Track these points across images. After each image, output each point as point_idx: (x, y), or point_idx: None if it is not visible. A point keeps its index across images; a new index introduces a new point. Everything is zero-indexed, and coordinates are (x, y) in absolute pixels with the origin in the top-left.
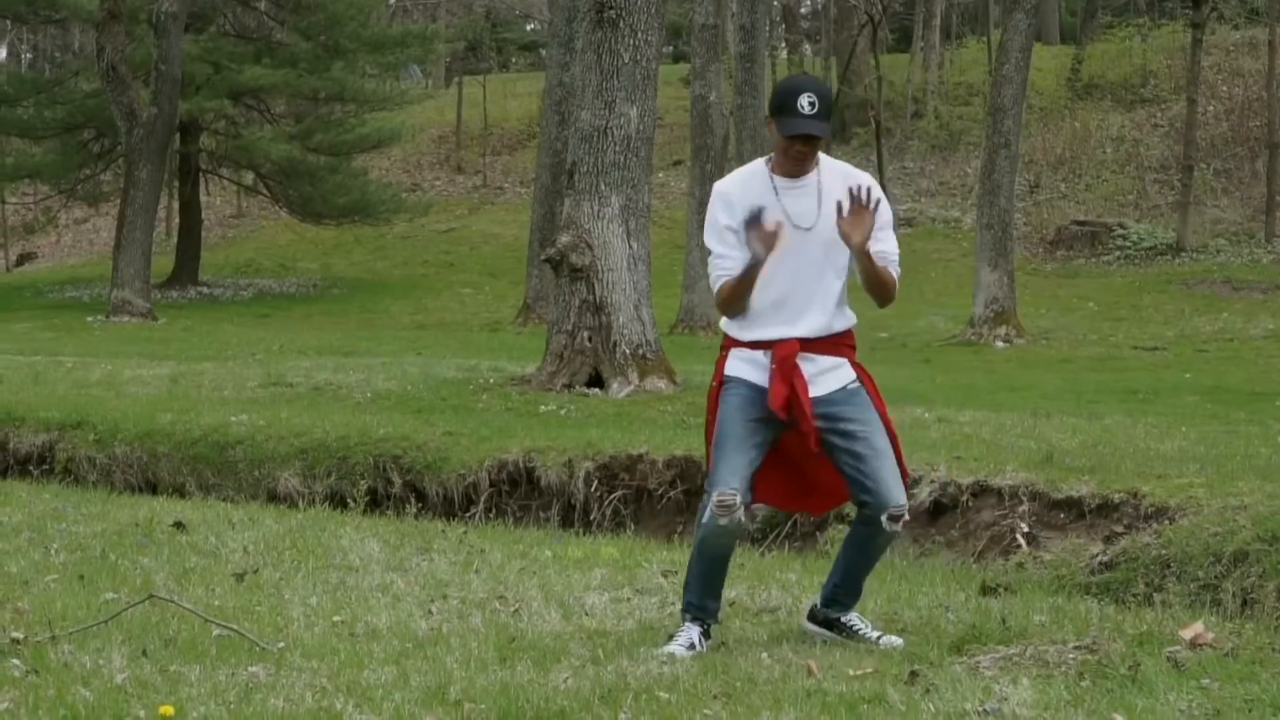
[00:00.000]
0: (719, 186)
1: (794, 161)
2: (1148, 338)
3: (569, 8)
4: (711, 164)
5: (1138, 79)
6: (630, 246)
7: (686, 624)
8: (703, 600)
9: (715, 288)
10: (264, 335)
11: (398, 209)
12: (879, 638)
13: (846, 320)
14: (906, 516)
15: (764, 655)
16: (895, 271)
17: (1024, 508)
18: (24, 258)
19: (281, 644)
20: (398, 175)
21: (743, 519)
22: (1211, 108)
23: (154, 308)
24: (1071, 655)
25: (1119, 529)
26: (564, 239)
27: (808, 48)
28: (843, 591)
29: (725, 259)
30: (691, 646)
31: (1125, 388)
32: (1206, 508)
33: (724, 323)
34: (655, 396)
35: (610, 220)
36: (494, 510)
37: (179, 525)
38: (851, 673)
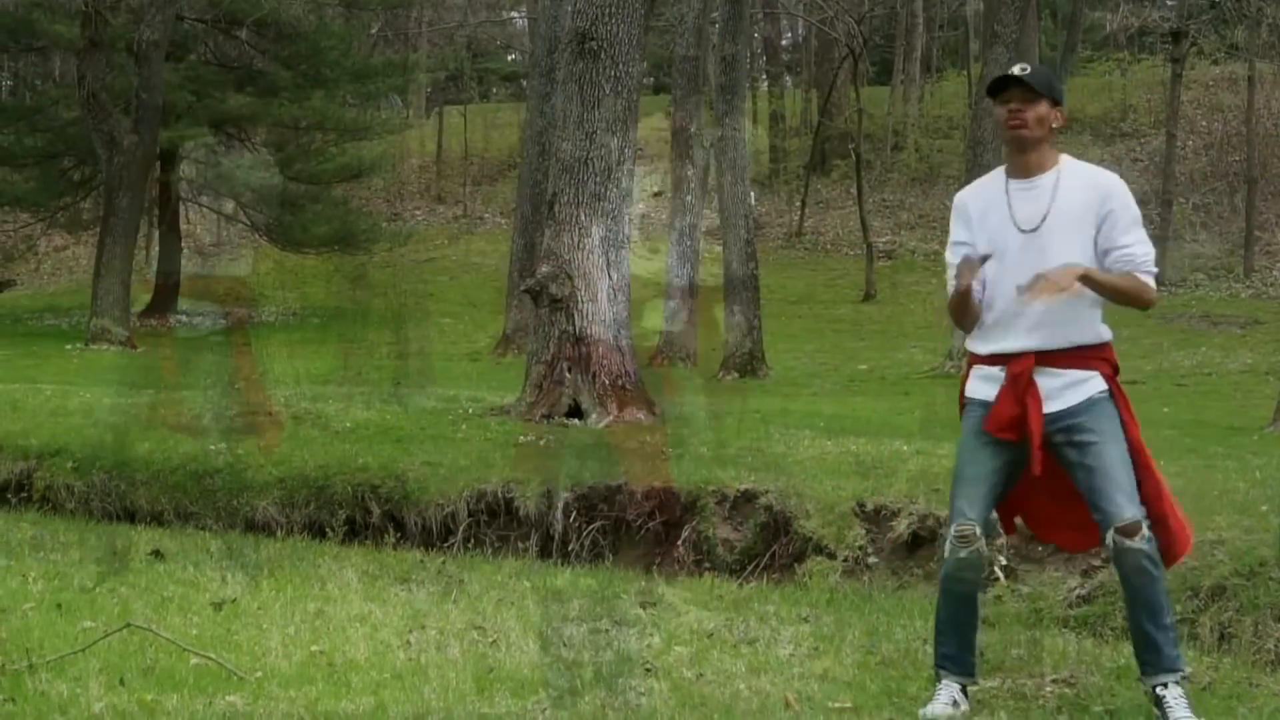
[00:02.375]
0: (958, 197)
1: (1010, 129)
2: (1126, 371)
3: (550, 39)
4: (692, 195)
5: (1117, 113)
6: (610, 277)
7: (944, 681)
8: (959, 651)
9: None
10: (243, 364)
11: (378, 238)
12: None
13: (1097, 332)
14: (1145, 532)
15: (742, 686)
16: (1146, 275)
17: (1002, 540)
18: (3, 285)
19: (259, 673)
20: (378, 204)
21: (985, 551)
22: (1191, 142)
23: (133, 336)
24: (1049, 689)
25: (1097, 563)
26: (544, 269)
27: (789, 80)
28: (1138, 648)
29: (956, 248)
30: (955, 705)
31: None
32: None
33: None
34: (634, 427)
35: (590, 251)
36: (472, 540)
37: (157, 554)
38: (831, 705)
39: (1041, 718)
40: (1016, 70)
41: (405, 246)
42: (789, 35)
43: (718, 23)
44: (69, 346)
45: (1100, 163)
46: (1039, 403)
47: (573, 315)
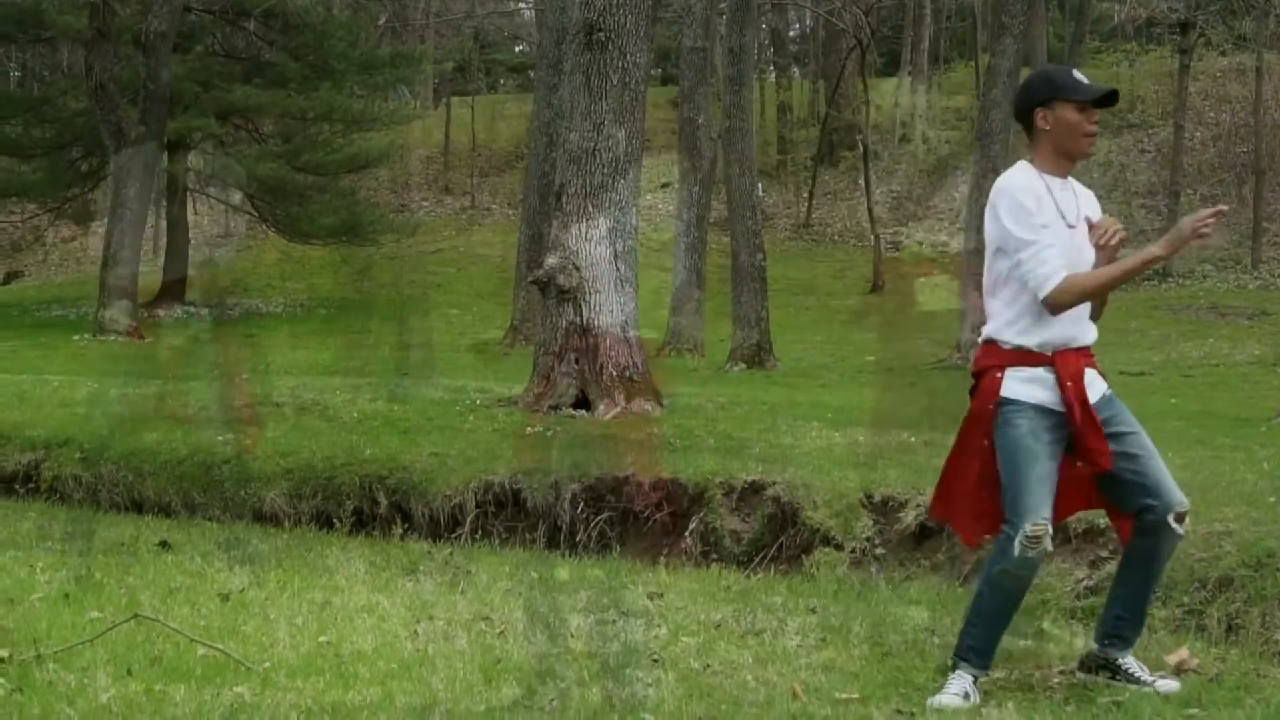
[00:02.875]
0: (1017, 181)
1: (1088, 140)
2: (1134, 363)
3: (558, 30)
4: (699, 186)
5: (1125, 104)
6: (618, 268)
7: (960, 672)
8: (986, 645)
9: (1041, 279)
10: (250, 355)
11: (385, 229)
12: (1155, 681)
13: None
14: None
15: (749, 678)
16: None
17: None
18: (11, 276)
19: (267, 664)
20: (385, 196)
21: (1050, 550)
22: (1199, 134)
23: (140, 326)
24: (1056, 680)
25: (1104, 554)
26: (551, 261)
27: (796, 71)
28: (1128, 623)
29: (1050, 247)
30: (967, 697)
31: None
32: (1192, 533)
33: (997, 331)
34: (642, 419)
35: (598, 242)
36: (480, 532)
37: (164, 545)
38: (837, 696)
39: (1049, 709)
40: (1113, 93)
41: (412, 238)
42: (796, 26)
43: (725, 14)
44: (76, 337)
45: (1108, 154)
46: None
47: (580, 306)
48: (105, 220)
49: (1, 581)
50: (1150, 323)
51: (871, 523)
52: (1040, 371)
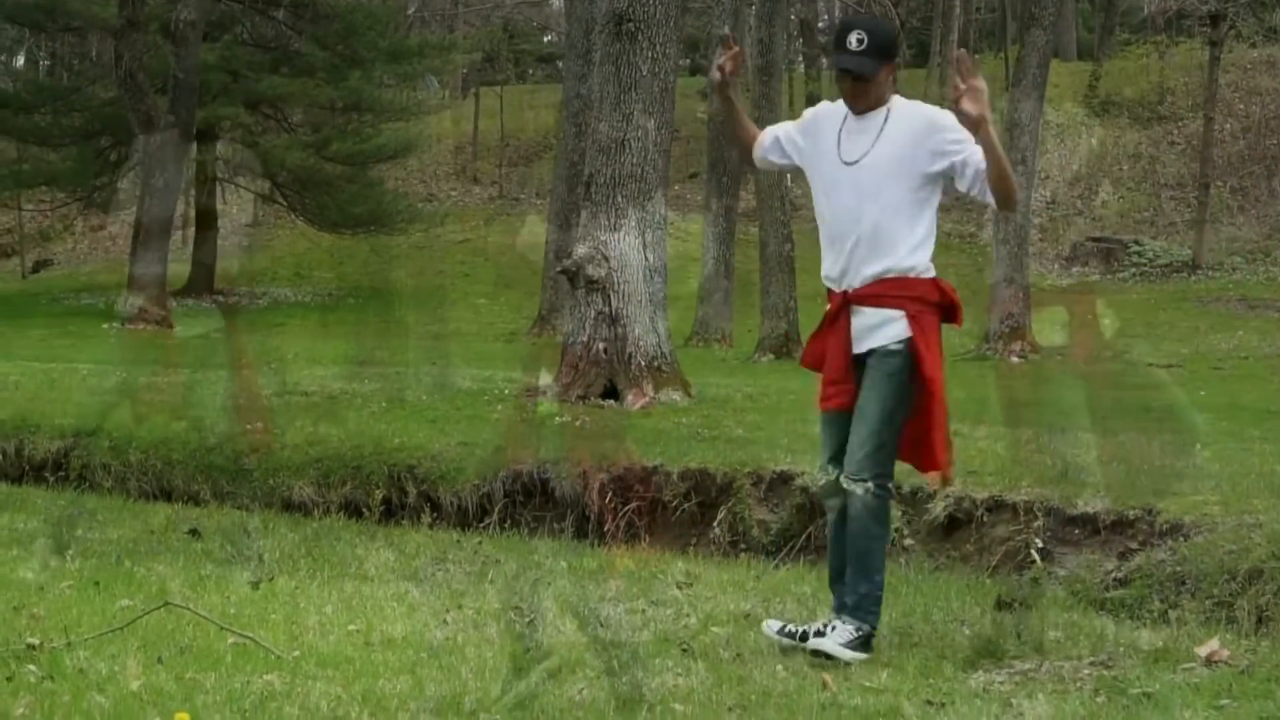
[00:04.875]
0: (813, 108)
1: (845, 97)
2: (1163, 355)
3: (587, 20)
4: (728, 177)
5: (1155, 96)
6: (646, 259)
7: (852, 623)
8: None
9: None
10: (279, 344)
11: (414, 219)
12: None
13: (909, 267)
14: (868, 485)
15: (779, 667)
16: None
17: (1039, 523)
18: (40, 264)
19: (296, 652)
20: (414, 185)
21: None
22: (1228, 125)
23: (169, 315)
24: (1087, 671)
25: (1134, 545)
26: (580, 250)
27: (824, 62)
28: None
29: (769, 134)
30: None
31: (1140, 404)
32: (1221, 525)
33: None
34: (670, 408)
35: (627, 232)
36: (508, 521)
37: (194, 533)
38: (867, 685)
39: (1079, 700)
40: (854, 66)
41: (441, 227)
42: (825, 17)
43: (754, 5)
44: (106, 326)
45: (1138, 145)
46: (840, 343)
47: (609, 296)
48: (134, 209)
49: (32, 569)
50: (1179, 315)
51: (900, 513)
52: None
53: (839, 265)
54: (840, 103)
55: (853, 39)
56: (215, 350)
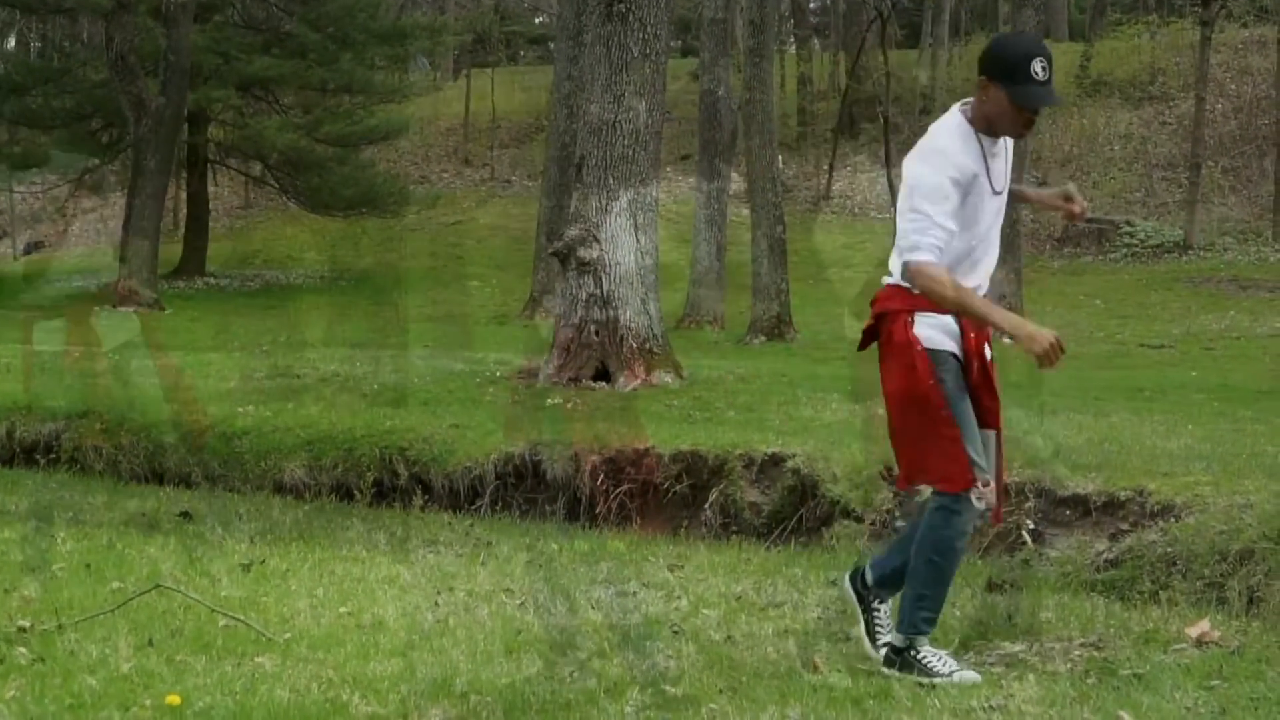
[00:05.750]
0: (941, 144)
1: (1023, 128)
2: (1154, 335)
3: (578, 1)
4: (719, 159)
5: (1146, 76)
6: (638, 240)
7: (924, 647)
8: (940, 606)
9: (915, 255)
10: (271, 326)
11: (405, 201)
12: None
13: None
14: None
15: (770, 650)
16: None
17: (1030, 504)
18: (31, 247)
19: (288, 635)
20: (405, 167)
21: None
22: (1220, 106)
23: (161, 298)
24: (1077, 652)
25: (1125, 526)
26: (572, 232)
27: (817, 43)
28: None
29: (939, 230)
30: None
31: (1131, 385)
32: (1213, 506)
33: (901, 278)
34: (662, 390)
35: (618, 214)
36: (500, 503)
37: (186, 515)
38: (857, 668)
39: (1070, 681)
40: (1055, 101)
41: (433, 209)
42: None
43: None
44: (97, 308)
45: (1129, 126)
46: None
47: (600, 278)
48: (125, 192)
49: (23, 551)
50: (1171, 295)
51: (892, 495)
52: (947, 319)
53: (981, 290)
54: (951, 128)
55: (1038, 67)
56: (207, 333)
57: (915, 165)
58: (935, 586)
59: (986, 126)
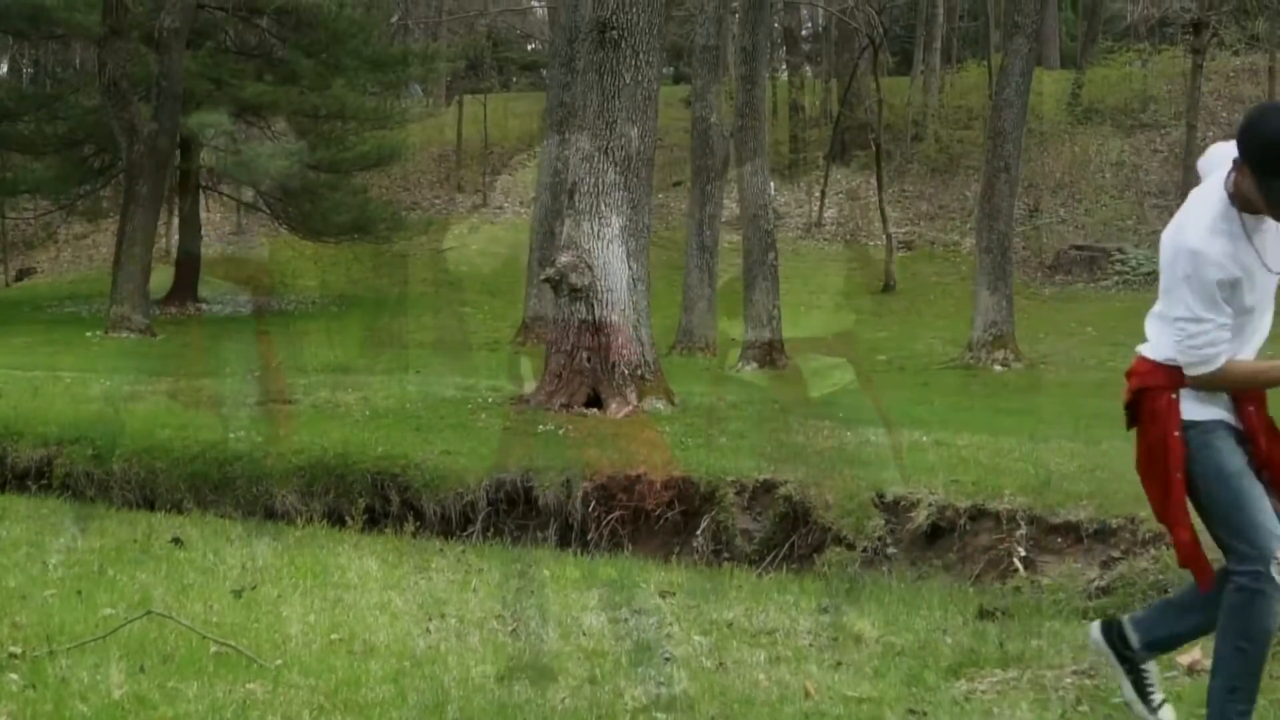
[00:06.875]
0: (1197, 245)
1: (1272, 213)
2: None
3: (571, 28)
4: (711, 185)
5: (1138, 104)
6: (630, 267)
7: None
8: (1254, 699)
9: (1209, 368)
10: (262, 352)
11: (397, 227)
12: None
13: None
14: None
15: (761, 677)
16: None
17: (1021, 531)
18: (23, 273)
19: (279, 661)
20: (397, 193)
21: None
22: (1211, 133)
23: (153, 324)
24: (1069, 680)
25: (1116, 554)
26: (564, 259)
27: (808, 70)
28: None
29: (1221, 333)
30: None
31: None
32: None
33: (1157, 350)
34: (653, 417)
35: (610, 241)
36: (492, 529)
37: (177, 541)
38: (849, 694)
39: (1062, 709)
40: None
41: (425, 235)
42: (809, 25)
43: (738, 12)
44: (89, 334)
45: (1120, 153)
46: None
47: (592, 305)
48: (118, 217)
49: (14, 577)
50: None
51: (883, 522)
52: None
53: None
54: (1209, 217)
55: None
56: (199, 358)
57: (1182, 262)
58: (1247, 678)
59: (1245, 204)
